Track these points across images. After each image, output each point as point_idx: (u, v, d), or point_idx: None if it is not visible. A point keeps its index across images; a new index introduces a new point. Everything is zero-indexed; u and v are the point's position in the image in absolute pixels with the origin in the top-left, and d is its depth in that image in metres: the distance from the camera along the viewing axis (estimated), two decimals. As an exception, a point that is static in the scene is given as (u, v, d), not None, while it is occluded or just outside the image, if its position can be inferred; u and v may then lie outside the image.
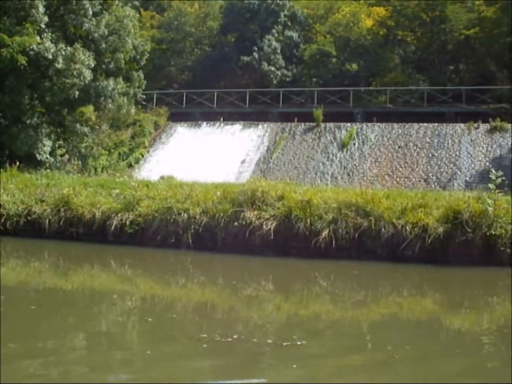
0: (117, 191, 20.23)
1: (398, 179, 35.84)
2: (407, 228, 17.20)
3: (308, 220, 17.76)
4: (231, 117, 43.73)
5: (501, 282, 16.18)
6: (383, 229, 17.31)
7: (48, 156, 31.14)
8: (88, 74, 30.73)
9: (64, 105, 32.27)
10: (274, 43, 53.62)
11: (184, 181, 22.27)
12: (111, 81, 32.73)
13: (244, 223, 18.03)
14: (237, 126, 42.29)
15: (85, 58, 30.71)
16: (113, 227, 19.35)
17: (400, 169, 36.85)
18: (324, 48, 53.12)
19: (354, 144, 39.19)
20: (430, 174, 36.12)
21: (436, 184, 35.01)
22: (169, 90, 50.77)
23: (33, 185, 22.10)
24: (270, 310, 12.54)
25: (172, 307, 12.68)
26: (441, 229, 17.05)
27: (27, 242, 19.76)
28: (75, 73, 30.28)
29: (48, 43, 29.50)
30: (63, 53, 30.15)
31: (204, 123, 43.15)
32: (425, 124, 39.39)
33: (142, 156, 40.58)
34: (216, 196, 19.30)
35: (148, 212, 19.23)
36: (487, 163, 36.00)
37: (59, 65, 29.97)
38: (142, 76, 35.93)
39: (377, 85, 50.92)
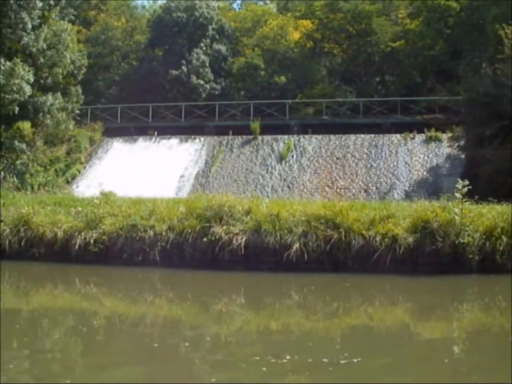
0: (79, 209, 19.73)
1: (338, 190, 36.14)
2: (377, 239, 17.34)
3: (278, 234, 17.74)
4: (166, 131, 43.44)
5: (470, 290, 16.54)
6: (353, 241, 17.42)
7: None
8: (28, 90, 30.22)
9: (1, 121, 31.50)
10: (203, 57, 53.57)
11: (126, 197, 21.83)
12: (49, 96, 32.20)
13: (213, 238, 17.92)
14: (174, 140, 42.01)
15: (25, 73, 30.11)
16: (76, 246, 18.91)
17: (340, 180, 37.20)
18: (252, 61, 53.44)
19: (293, 156, 39.38)
20: (370, 185, 36.57)
21: (376, 194, 35.48)
22: (97, 105, 50.06)
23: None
24: (240, 326, 12.64)
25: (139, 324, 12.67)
26: (410, 239, 17.28)
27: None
28: (14, 88, 29.66)
29: (-15, 58, 28.88)
30: (2, 67, 29.47)
31: (140, 138, 42.73)
32: (362, 135, 39.88)
33: (79, 172, 39.90)
34: (180, 212, 19.11)
35: (112, 230, 18.92)
36: (425, 172, 36.73)
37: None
38: (80, 91, 35.44)
39: (302, 97, 51.27)
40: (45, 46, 32.25)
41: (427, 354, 9.78)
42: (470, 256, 16.98)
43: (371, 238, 17.40)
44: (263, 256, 17.86)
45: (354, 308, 14.35)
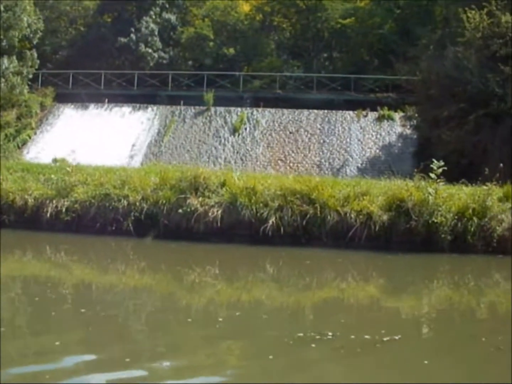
0: (53, 176, 19.44)
1: (291, 164, 36.31)
2: (352, 215, 17.56)
3: (254, 207, 17.80)
4: (117, 99, 42.89)
5: (441, 268, 16.90)
6: (328, 217, 17.59)
7: None
8: (-16, 52, 29.41)
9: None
10: (152, 25, 52.80)
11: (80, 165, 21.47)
12: (5, 60, 31.40)
13: (188, 210, 17.88)
14: (126, 109, 41.50)
15: (-20, 36, 29.33)
16: (48, 215, 18.67)
17: (293, 154, 37.33)
18: (202, 31, 52.99)
19: (246, 129, 39.34)
20: (322, 160, 36.79)
21: (329, 170, 35.72)
22: (43, 70, 48.99)
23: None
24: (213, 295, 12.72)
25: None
26: (385, 217, 17.54)
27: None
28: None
29: None
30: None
31: (92, 105, 42.08)
32: (315, 111, 40.00)
33: (30, 137, 39.13)
34: (153, 182, 19.02)
35: (85, 198, 18.73)
36: (377, 150, 37.13)
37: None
38: (35, 55, 34.70)
39: (249, 70, 51.19)
40: (2, 8, 31.43)
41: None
42: (443, 235, 17.31)
43: (346, 215, 17.60)
44: (238, 229, 17.94)
45: (327, 283, 14.49)
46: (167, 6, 54.59)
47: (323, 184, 18.27)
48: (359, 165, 36.27)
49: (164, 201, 18.20)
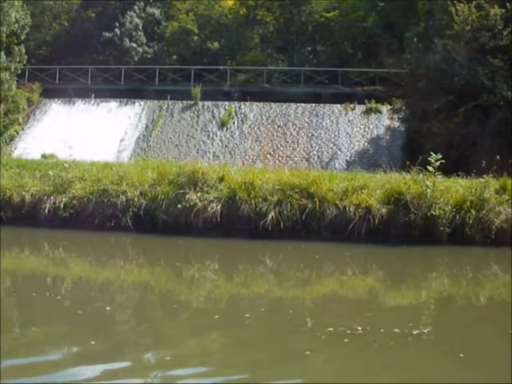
0: (50, 172, 19.36)
1: (280, 158, 36.41)
2: (351, 209, 17.64)
3: (253, 202, 17.84)
4: (104, 94, 42.78)
5: (440, 260, 17.00)
6: (327, 211, 17.67)
7: None
8: (-28, 48, 29.19)
9: None
10: (136, 20, 52.60)
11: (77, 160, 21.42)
12: (-7, 55, 31.21)
13: (187, 205, 17.88)
14: (113, 104, 41.43)
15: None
16: (46, 211, 18.61)
17: (282, 148, 37.41)
18: (186, 25, 52.90)
19: (234, 123, 39.38)
20: (311, 154, 36.90)
21: (318, 163, 35.81)
22: (28, 65, 48.74)
23: None
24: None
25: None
26: (384, 210, 17.63)
27: None
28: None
29: None
30: None
31: (79, 100, 41.96)
32: (303, 104, 40.09)
33: (17, 133, 38.94)
34: (151, 177, 19.00)
35: (82, 194, 18.67)
36: (365, 143, 37.29)
37: None
38: (23, 50, 34.49)
39: (232, 64, 51.11)
40: (-10, 4, 31.31)
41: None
42: (441, 228, 17.42)
43: (345, 208, 17.67)
44: (237, 223, 17.99)
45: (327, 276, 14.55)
46: (151, 0, 54.39)
47: (321, 178, 18.31)
48: (348, 158, 36.40)
49: (162, 197, 18.18)
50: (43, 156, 30.94)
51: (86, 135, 37.01)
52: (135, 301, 11.54)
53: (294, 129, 38.49)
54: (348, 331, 8.58)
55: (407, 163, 19.21)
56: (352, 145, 37.24)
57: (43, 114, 41.04)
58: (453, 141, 29.17)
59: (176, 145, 38.26)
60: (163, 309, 10.69)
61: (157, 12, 54.60)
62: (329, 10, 52.87)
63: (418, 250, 17.22)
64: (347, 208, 17.65)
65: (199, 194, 18.03)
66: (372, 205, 17.63)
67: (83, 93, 42.83)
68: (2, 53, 32.51)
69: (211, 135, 38.81)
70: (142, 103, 41.43)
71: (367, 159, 35.13)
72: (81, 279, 13.67)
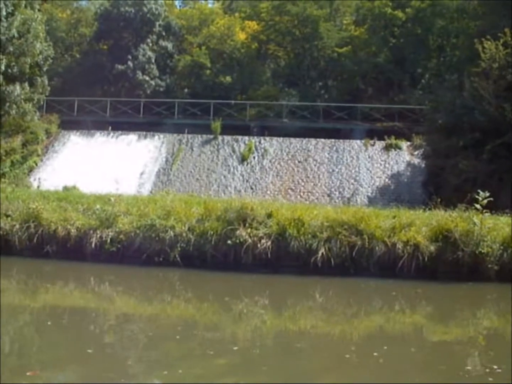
0: (98, 206, 19.34)
1: (301, 193, 36.48)
2: (399, 246, 17.71)
3: (302, 238, 17.89)
4: (122, 127, 42.95)
5: (489, 296, 17.04)
6: (376, 248, 17.74)
7: None
8: (0, 79, 29.29)
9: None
10: (149, 53, 53.21)
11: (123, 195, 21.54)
12: (17, 86, 31.27)
13: (238, 241, 17.90)
14: (133, 136, 41.60)
15: (-3, 62, 29.23)
16: (93, 245, 18.57)
17: (303, 183, 37.52)
18: (199, 59, 53.26)
19: (254, 157, 39.55)
20: (332, 189, 37.01)
21: (339, 199, 35.93)
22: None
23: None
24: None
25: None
26: (432, 248, 17.70)
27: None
28: (-13, 77, 28.76)
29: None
30: (-26, 55, 28.59)
31: (98, 132, 42.12)
32: (322, 140, 40.35)
33: (36, 164, 38.98)
34: (197, 212, 19.03)
35: (129, 229, 18.65)
36: (386, 179, 37.42)
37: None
38: (46, 82, 34.63)
39: (242, 98, 51.43)
40: (15, 35, 31.38)
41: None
42: (489, 265, 17.47)
43: (394, 245, 17.75)
44: (286, 259, 18.01)
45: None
46: (163, 33, 54.93)
47: (369, 215, 18.40)
48: (369, 194, 36.50)
49: (211, 232, 18.18)
50: (65, 188, 30.93)
51: (106, 167, 37.10)
52: (179, 336, 11.44)
53: (315, 165, 38.65)
54: (487, 370, 8.60)
55: (439, 199, 19.29)
56: (373, 181, 37.36)
57: (62, 145, 41.17)
58: (478, 178, 29.26)
59: (197, 179, 38.33)
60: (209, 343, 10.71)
61: (169, 45, 55.17)
62: (341, 45, 53.28)
63: (466, 287, 17.24)
64: (396, 245, 17.70)
65: (249, 230, 18.05)
66: (421, 242, 17.69)
67: (101, 125, 42.98)
68: (26, 84, 32.58)
69: (231, 169, 38.92)
70: (161, 136, 41.61)
71: (388, 195, 35.23)
72: (126, 314, 13.65)
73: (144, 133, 41.83)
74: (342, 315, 13.92)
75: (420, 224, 18.44)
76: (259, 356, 9.92)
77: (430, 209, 19.43)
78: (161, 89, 52.82)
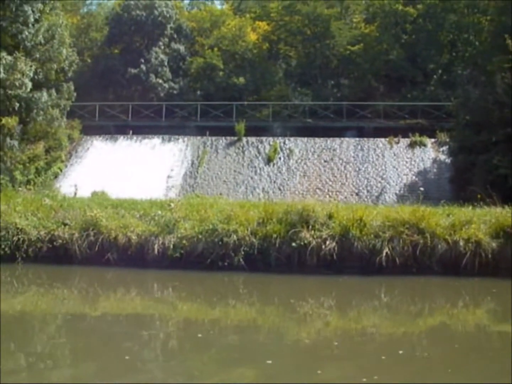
0: (159, 212, 19.41)
1: (330, 193, 36.53)
2: (461, 243, 17.88)
3: (366, 239, 18.06)
4: (144, 131, 43.04)
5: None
6: (438, 246, 17.92)
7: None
8: (29, 85, 29.34)
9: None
10: (161, 56, 53.22)
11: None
12: (44, 93, 31.31)
13: (302, 243, 18.02)
14: (156, 140, 41.64)
15: (26, 68, 29.22)
16: (155, 251, 18.61)
17: (330, 183, 37.60)
18: (211, 61, 53.26)
19: (280, 158, 39.63)
20: (361, 188, 37.09)
21: (368, 197, 36.02)
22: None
23: (42, 206, 20.76)
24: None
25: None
26: (494, 244, 17.89)
27: (54, 268, 18.64)
28: (17, 83, 28.73)
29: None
30: (4, 62, 28.58)
31: (121, 137, 42.14)
32: (347, 139, 40.53)
33: (61, 170, 39.00)
34: (258, 216, 19.12)
35: (191, 234, 18.69)
36: (413, 176, 37.52)
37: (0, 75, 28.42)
38: (72, 87, 34.70)
39: (252, 99, 51.44)
40: (42, 41, 31.44)
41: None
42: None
43: (455, 243, 17.92)
44: (350, 260, 18.15)
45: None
46: (175, 36, 54.94)
47: (429, 213, 18.56)
48: (397, 191, 36.56)
49: (275, 235, 18.29)
50: (94, 193, 30.92)
51: (132, 172, 37.16)
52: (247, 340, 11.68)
53: (341, 164, 38.76)
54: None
55: (479, 196, 19.54)
56: (400, 179, 37.44)
57: (86, 151, 41.18)
58: (510, 174, 29.44)
59: (224, 181, 38.36)
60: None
61: (181, 47, 55.17)
62: (353, 43, 53.38)
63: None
64: (458, 243, 17.88)
65: (312, 232, 18.19)
66: (482, 239, 17.87)
67: (122, 130, 43.04)
68: (53, 90, 32.65)
69: (258, 170, 38.98)
70: (185, 139, 41.63)
71: (417, 192, 35.25)
72: (189, 319, 13.76)
73: (168, 136, 41.83)
74: (416, 315, 14.18)
75: (477, 221, 18.60)
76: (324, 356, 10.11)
77: (460, 205, 19.91)
78: (175, 91, 52.77)
